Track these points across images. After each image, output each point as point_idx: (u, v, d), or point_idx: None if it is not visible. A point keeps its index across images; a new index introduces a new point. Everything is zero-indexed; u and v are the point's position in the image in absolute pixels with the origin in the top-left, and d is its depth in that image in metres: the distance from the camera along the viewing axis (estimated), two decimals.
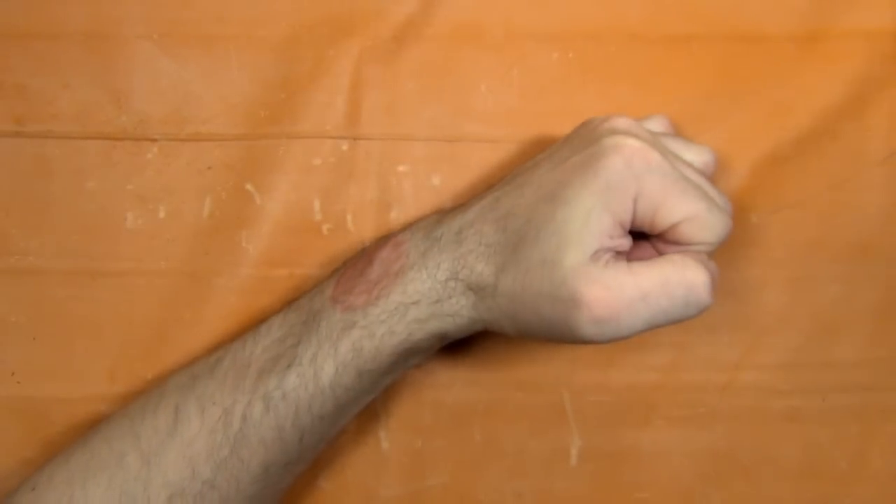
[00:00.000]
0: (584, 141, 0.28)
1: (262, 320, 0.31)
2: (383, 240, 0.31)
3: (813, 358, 0.34)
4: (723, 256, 0.34)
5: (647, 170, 0.26)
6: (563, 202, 0.27)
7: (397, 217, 0.35)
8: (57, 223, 0.34)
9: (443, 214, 0.30)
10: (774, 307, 0.34)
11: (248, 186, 0.35)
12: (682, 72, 0.35)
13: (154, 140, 0.35)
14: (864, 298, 0.34)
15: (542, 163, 0.29)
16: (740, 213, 0.34)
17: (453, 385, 0.34)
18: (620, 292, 0.26)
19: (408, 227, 0.31)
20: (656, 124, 0.31)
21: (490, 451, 0.34)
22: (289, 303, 0.31)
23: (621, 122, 0.28)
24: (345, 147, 0.35)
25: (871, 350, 0.34)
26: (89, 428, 0.33)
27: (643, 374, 0.34)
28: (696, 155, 0.29)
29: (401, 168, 0.35)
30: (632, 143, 0.27)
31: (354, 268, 0.30)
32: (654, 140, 0.28)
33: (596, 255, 0.26)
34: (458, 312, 0.29)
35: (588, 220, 0.26)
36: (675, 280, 0.26)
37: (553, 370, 0.34)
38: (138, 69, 0.35)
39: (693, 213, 0.27)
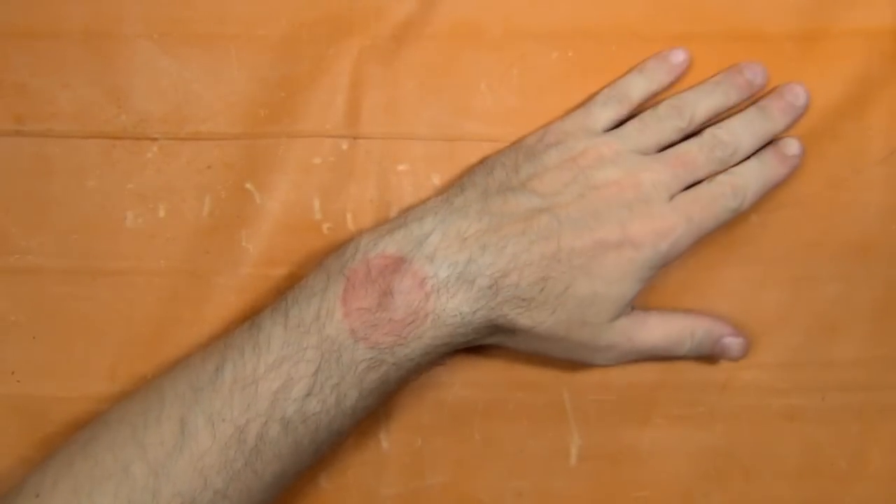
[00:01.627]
0: (579, 185, 0.31)
1: (254, 322, 0.30)
2: (394, 261, 0.29)
3: (812, 357, 0.34)
4: (723, 256, 0.34)
5: (671, 246, 0.31)
6: (602, 282, 0.30)
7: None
8: (57, 222, 0.34)
9: (452, 235, 0.30)
10: (774, 306, 0.34)
11: (248, 185, 0.35)
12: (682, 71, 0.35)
13: (154, 139, 0.35)
14: (864, 298, 0.34)
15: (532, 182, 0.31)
16: None
17: (453, 385, 0.34)
18: (644, 340, 0.32)
19: (409, 242, 0.30)
20: (609, 110, 0.33)
21: (490, 450, 0.34)
22: (280, 304, 0.30)
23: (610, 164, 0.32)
24: (344, 146, 0.35)
25: (870, 349, 0.34)
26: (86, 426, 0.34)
27: (643, 373, 0.34)
28: (660, 135, 0.33)
29: (401, 167, 0.35)
30: (642, 223, 0.31)
31: (364, 291, 0.29)
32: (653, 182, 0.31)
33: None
34: (484, 340, 0.32)
35: (626, 296, 0.31)
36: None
37: (553, 370, 0.34)
38: (138, 68, 0.35)
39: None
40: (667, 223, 0.31)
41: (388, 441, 0.34)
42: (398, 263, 0.29)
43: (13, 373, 0.34)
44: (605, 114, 0.33)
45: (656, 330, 0.32)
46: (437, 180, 0.35)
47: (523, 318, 0.30)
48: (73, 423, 0.34)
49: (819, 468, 0.34)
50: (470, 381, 0.34)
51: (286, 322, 0.29)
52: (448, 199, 0.31)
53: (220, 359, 0.29)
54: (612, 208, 0.31)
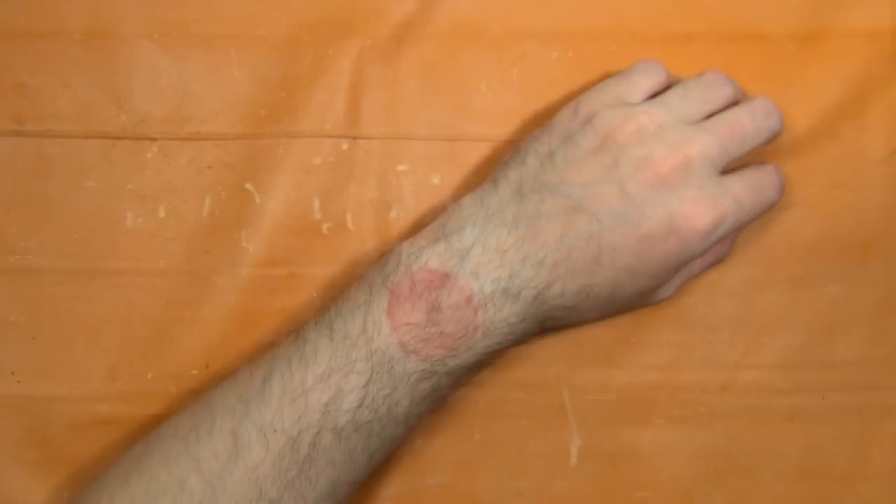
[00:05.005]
0: (617, 164, 0.29)
1: (299, 334, 0.29)
2: (438, 276, 0.29)
3: (813, 357, 0.34)
4: None
5: (718, 236, 0.29)
6: (647, 279, 0.30)
7: (397, 216, 0.35)
8: (56, 222, 0.34)
9: (492, 248, 0.29)
10: (774, 307, 0.34)
11: (248, 186, 0.35)
12: (682, 71, 0.34)
13: (154, 139, 0.35)
14: (864, 298, 0.34)
15: (569, 174, 0.30)
16: None
17: None
18: (691, 272, 0.32)
19: (452, 257, 0.29)
20: (649, 78, 0.32)
21: (490, 450, 0.34)
22: (324, 316, 0.29)
23: (646, 137, 0.30)
24: (345, 146, 0.35)
25: (871, 349, 0.34)
26: (91, 427, 0.34)
27: (643, 374, 0.34)
28: (706, 104, 0.31)
29: (401, 167, 0.35)
30: (694, 209, 0.29)
31: (411, 305, 0.28)
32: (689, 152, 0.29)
33: None
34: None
35: (672, 284, 0.31)
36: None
37: (553, 370, 0.34)
38: (138, 68, 0.35)
39: None
40: (719, 209, 0.29)
41: None
42: (443, 279, 0.29)
43: (13, 373, 0.34)
44: (646, 81, 0.31)
45: (697, 264, 0.32)
46: (436, 180, 0.35)
47: (572, 319, 0.31)
48: (74, 423, 0.34)
49: (819, 468, 0.34)
50: (470, 380, 0.34)
51: (331, 334, 0.29)
52: (483, 202, 0.30)
53: (267, 370, 0.29)
54: (658, 195, 0.29)
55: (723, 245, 0.32)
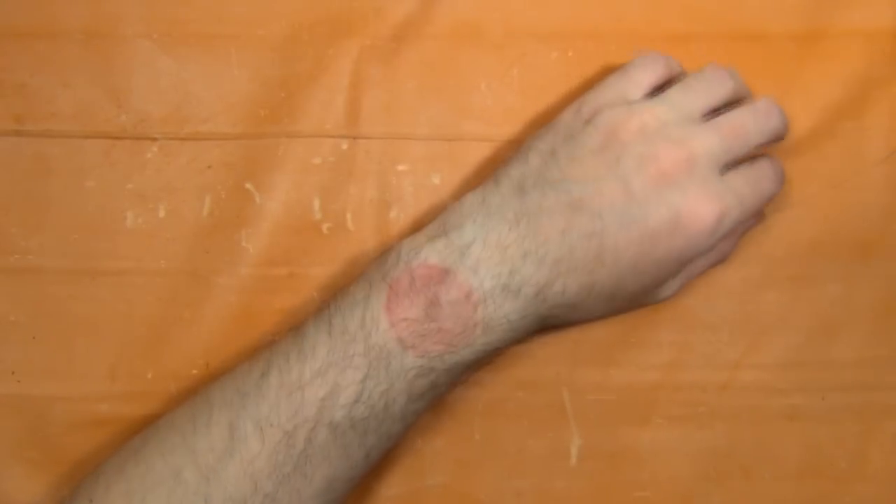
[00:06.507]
0: (621, 159, 0.29)
1: (298, 330, 0.30)
2: (437, 272, 0.28)
3: (813, 357, 0.34)
4: None
5: (722, 233, 0.30)
6: (650, 278, 0.30)
7: (397, 216, 0.35)
8: (57, 222, 0.34)
9: (493, 244, 0.29)
10: (774, 307, 0.34)
11: (248, 185, 0.35)
12: None
13: (154, 139, 0.35)
14: (864, 298, 0.34)
15: (573, 177, 0.29)
16: None
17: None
18: (694, 274, 0.32)
19: (452, 253, 0.29)
20: (648, 73, 0.32)
21: (490, 450, 0.34)
22: (323, 312, 0.29)
23: (651, 135, 0.30)
24: (344, 146, 0.35)
25: (871, 349, 0.34)
26: (91, 427, 0.34)
27: (643, 373, 0.34)
28: (708, 98, 0.31)
29: (400, 167, 0.35)
30: (698, 206, 0.29)
31: (409, 301, 0.28)
32: (694, 152, 0.29)
33: None
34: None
35: (675, 282, 0.31)
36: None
37: (553, 369, 0.34)
38: (138, 68, 0.35)
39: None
40: (722, 205, 0.29)
41: None
42: (442, 275, 0.28)
43: (13, 373, 0.34)
44: (646, 77, 0.31)
45: (700, 262, 0.32)
46: (436, 180, 0.35)
47: (574, 317, 0.31)
48: (74, 423, 0.34)
49: (819, 468, 0.34)
50: (470, 380, 0.34)
51: (330, 330, 0.29)
52: (485, 200, 0.30)
53: (265, 365, 0.29)
54: (662, 192, 0.28)
55: (728, 242, 0.32)
